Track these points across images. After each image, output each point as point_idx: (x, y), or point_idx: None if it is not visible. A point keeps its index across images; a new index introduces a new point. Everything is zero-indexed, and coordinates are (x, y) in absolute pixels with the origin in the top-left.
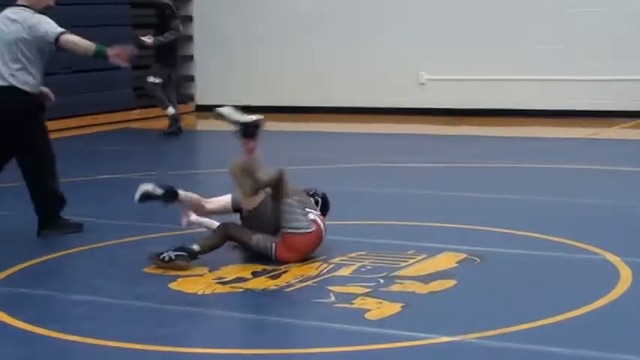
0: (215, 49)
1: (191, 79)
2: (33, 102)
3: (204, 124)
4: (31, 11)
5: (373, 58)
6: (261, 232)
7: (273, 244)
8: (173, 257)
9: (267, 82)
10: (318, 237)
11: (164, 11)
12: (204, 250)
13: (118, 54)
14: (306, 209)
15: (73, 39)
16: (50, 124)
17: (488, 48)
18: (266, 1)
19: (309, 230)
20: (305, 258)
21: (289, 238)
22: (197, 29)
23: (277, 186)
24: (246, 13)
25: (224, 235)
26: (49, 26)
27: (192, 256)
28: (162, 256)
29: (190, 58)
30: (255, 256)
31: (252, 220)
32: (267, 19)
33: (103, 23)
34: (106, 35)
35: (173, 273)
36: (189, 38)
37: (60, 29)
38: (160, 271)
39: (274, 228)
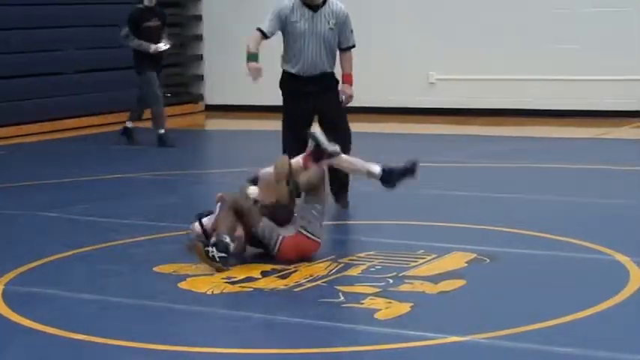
0: (224, 49)
1: (200, 78)
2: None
3: (214, 124)
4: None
5: (383, 58)
6: (271, 221)
7: (280, 237)
8: (217, 258)
9: (275, 82)
10: (318, 249)
11: (165, 18)
12: (231, 235)
13: (251, 68)
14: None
15: (252, 35)
16: (59, 124)
17: (498, 48)
18: (275, 0)
19: (319, 240)
20: (297, 261)
21: (303, 239)
22: (206, 29)
23: (317, 188)
24: (255, 12)
25: (234, 207)
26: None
27: (229, 252)
28: (206, 249)
29: (200, 57)
30: (253, 244)
31: (274, 209)
32: None
33: (113, 23)
34: (116, 34)
35: (183, 272)
36: (199, 38)
37: (260, 25)
38: (169, 271)
39: (286, 222)
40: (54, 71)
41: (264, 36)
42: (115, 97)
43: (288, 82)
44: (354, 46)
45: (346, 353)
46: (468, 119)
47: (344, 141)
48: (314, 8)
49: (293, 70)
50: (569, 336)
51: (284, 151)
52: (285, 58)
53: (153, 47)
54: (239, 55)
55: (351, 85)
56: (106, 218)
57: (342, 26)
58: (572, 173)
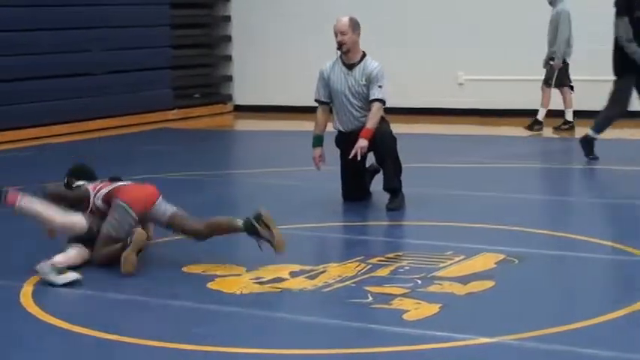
0: (253, 49)
1: (229, 79)
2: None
3: (242, 124)
4: None
5: (411, 58)
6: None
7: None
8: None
9: (305, 82)
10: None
11: None
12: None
13: (315, 157)
14: None
15: (317, 112)
16: (87, 125)
17: (526, 48)
18: (303, 0)
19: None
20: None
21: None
22: (235, 29)
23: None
24: (284, 13)
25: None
26: None
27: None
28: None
29: (229, 58)
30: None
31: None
32: (305, 19)
33: (142, 24)
34: (145, 35)
35: (211, 273)
36: (228, 38)
37: (315, 95)
38: (198, 271)
39: None
40: (83, 72)
41: (324, 103)
42: (144, 98)
43: (339, 139)
44: (380, 101)
45: (374, 354)
46: (496, 120)
47: (395, 172)
48: (349, 67)
49: (340, 128)
50: (598, 337)
51: (343, 190)
52: (334, 116)
53: None
54: (268, 56)
55: (366, 138)
56: None
57: (372, 82)
58: (600, 174)
